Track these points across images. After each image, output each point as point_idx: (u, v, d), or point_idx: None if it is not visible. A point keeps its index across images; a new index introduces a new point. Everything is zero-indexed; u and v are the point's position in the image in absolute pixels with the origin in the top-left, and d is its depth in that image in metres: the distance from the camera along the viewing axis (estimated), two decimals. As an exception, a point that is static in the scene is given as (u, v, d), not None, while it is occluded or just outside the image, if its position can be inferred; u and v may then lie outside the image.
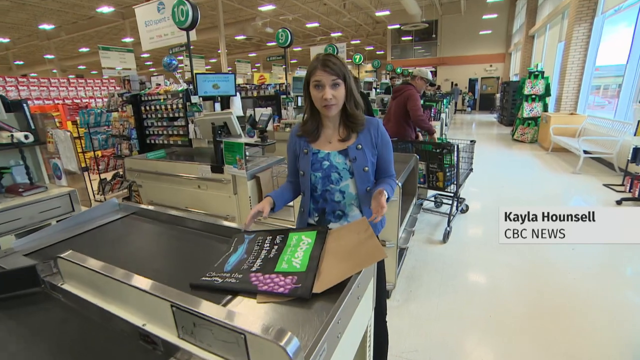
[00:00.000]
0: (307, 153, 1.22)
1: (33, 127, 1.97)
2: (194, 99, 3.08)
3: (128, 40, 12.43)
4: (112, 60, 5.68)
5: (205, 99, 3.17)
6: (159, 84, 3.60)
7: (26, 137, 1.89)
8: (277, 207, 1.22)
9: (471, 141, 3.35)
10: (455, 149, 2.88)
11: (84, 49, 16.17)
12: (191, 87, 3.15)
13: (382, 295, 1.38)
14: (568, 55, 6.55)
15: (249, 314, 0.78)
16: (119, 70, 5.53)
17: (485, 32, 15.80)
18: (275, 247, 1.01)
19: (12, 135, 1.81)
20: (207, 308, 0.64)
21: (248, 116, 2.68)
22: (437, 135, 4.92)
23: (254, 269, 0.91)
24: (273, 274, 0.87)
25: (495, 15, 14.11)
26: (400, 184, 1.95)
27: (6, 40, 14.56)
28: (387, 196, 1.13)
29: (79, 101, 6.63)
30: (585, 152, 4.97)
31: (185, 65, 7.76)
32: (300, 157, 1.24)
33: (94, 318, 0.83)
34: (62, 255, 0.87)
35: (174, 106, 3.29)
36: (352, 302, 0.85)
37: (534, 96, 7.39)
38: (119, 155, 3.79)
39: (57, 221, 1.83)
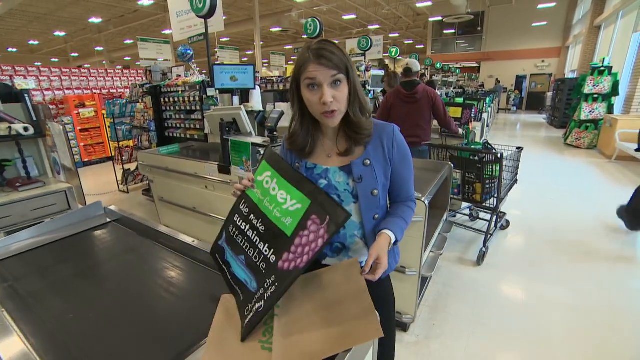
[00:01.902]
0: (299, 168, 0.94)
1: (35, 118, 1.89)
2: (210, 92, 2.91)
3: (168, 32, 12.82)
4: (150, 51, 5.79)
5: (222, 91, 2.99)
6: (179, 75, 3.50)
7: (26, 129, 1.80)
8: None
9: (518, 148, 2.87)
10: (498, 158, 2.45)
11: (129, 41, 17.02)
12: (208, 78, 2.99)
13: (387, 350, 1.10)
14: (645, 48, 5.60)
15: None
16: (158, 62, 5.59)
17: (539, 23, 14.34)
18: (247, 209, 0.86)
19: (9, 128, 1.72)
20: None
21: (257, 112, 2.46)
22: (477, 139, 4.41)
23: (272, 258, 0.75)
24: (289, 240, 0.73)
25: (553, 5, 12.70)
26: (427, 202, 1.61)
27: (63, 34, 15.69)
28: (393, 240, 0.83)
29: (114, 91, 6.88)
30: (661, 163, 4.20)
31: (218, 57, 7.77)
32: None
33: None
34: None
35: (191, 99, 3.16)
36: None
37: (596, 95, 6.46)
38: (139, 147, 3.77)
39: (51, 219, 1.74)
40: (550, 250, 2.77)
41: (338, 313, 0.69)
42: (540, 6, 13.00)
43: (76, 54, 20.17)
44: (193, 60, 3.35)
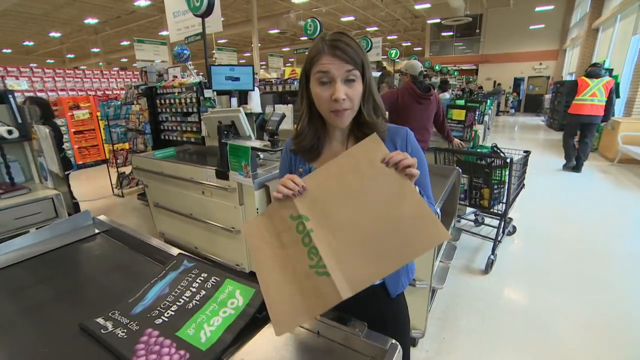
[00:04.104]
0: (302, 173, 0.85)
1: (20, 121, 1.77)
2: (207, 93, 2.81)
3: (165, 33, 12.71)
4: (147, 52, 5.69)
5: (220, 93, 2.89)
6: (176, 76, 3.39)
7: (10, 132, 1.69)
8: None
9: (525, 152, 2.80)
10: (507, 163, 2.36)
11: (126, 43, 16.88)
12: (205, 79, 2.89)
13: None
14: (646, 50, 5.57)
15: None
16: (155, 63, 5.50)
17: (537, 26, 14.38)
18: (202, 293, 0.82)
19: (-8, 130, 1.61)
20: None
21: (257, 115, 2.36)
22: (479, 141, 4.33)
23: (158, 321, 0.75)
24: (168, 340, 0.69)
25: (551, 7, 12.74)
26: (439, 209, 1.52)
27: (59, 35, 15.52)
28: (419, 191, 0.74)
29: (110, 93, 6.75)
30: (666, 166, 4.16)
31: (215, 58, 7.67)
32: None
33: None
34: None
35: (188, 100, 3.06)
36: None
37: (597, 98, 6.42)
38: (134, 150, 3.66)
39: (37, 228, 1.63)
40: (559, 257, 2.68)
41: (384, 212, 0.61)
42: (538, 9, 13.03)
43: (72, 55, 20.00)
44: (190, 62, 3.25)
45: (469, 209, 3.10)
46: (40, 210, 1.68)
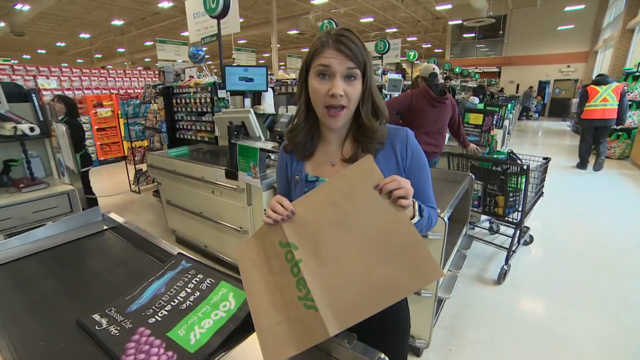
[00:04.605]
0: (299, 181, 0.83)
1: (42, 118, 1.86)
2: (221, 94, 2.85)
3: (186, 34, 13.06)
4: (168, 52, 5.85)
5: (234, 93, 2.93)
6: (192, 76, 3.47)
7: (31, 129, 1.77)
8: None
9: (544, 159, 2.67)
10: (524, 170, 2.26)
11: (149, 43, 17.48)
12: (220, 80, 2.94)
13: None
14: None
15: None
16: (177, 62, 5.63)
17: (566, 27, 13.77)
18: (197, 294, 0.82)
19: (15, 127, 1.69)
20: None
21: (267, 116, 2.37)
22: (498, 147, 4.19)
23: (152, 320, 0.75)
24: (158, 340, 0.70)
25: (582, 7, 12.17)
26: (446, 218, 1.47)
27: (88, 36, 16.28)
28: (417, 204, 0.72)
29: (132, 91, 7.00)
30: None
31: (234, 59, 7.80)
32: (292, 185, 0.85)
33: None
34: None
35: (203, 100, 3.11)
36: None
37: (630, 103, 6.07)
38: (151, 148, 3.76)
39: (53, 222, 1.70)
40: (579, 270, 2.55)
41: (376, 245, 0.59)
42: (567, 8, 12.48)
43: (100, 55, 20.89)
44: (205, 62, 3.31)
45: (484, 217, 3.00)
46: (56, 204, 1.75)
